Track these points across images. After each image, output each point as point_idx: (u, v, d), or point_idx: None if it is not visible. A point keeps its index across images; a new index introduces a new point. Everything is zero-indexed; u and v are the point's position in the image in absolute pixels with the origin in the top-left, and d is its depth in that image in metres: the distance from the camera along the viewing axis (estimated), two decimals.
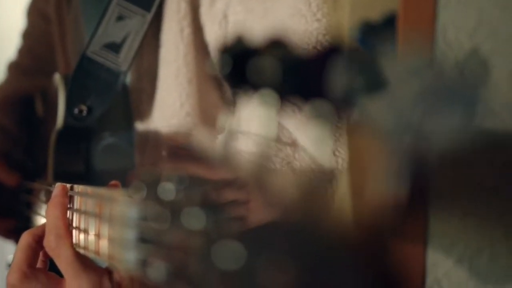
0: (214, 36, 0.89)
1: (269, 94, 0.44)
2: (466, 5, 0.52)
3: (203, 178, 0.45)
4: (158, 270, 0.44)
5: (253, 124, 0.75)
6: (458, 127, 0.46)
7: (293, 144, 0.77)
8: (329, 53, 0.43)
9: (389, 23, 0.59)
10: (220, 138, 0.75)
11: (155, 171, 0.47)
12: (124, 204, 0.52)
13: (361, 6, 0.86)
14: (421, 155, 0.50)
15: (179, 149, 0.49)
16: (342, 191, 0.83)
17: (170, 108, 0.90)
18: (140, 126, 0.95)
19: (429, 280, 0.58)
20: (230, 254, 0.40)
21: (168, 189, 0.45)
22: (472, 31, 0.52)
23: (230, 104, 0.47)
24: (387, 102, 0.46)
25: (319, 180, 0.78)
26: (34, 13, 1.15)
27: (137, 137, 0.95)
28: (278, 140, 0.78)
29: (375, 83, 0.46)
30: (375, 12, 0.64)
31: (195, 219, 0.43)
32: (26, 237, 0.70)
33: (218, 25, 0.89)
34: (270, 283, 0.39)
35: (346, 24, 0.86)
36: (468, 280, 0.57)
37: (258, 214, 0.44)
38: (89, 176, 0.95)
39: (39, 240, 0.70)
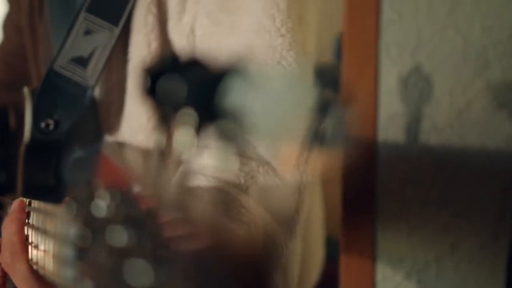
0: (182, 50, 0.89)
1: (188, 114, 0.45)
2: (407, 25, 0.53)
3: (134, 196, 0.46)
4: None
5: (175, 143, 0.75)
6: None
7: (258, 158, 0.78)
8: (234, 71, 0.44)
9: None
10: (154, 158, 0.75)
11: (88, 188, 0.47)
12: (62, 221, 0.53)
13: (329, 23, 0.87)
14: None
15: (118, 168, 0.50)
16: (308, 204, 0.83)
17: (137, 121, 0.90)
18: (109, 139, 0.95)
19: None
20: (141, 273, 0.41)
21: (99, 206, 0.46)
22: (413, 49, 0.53)
23: (160, 123, 0.48)
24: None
25: (284, 196, 0.78)
26: (8, 25, 1.16)
27: (102, 150, 0.95)
28: (243, 154, 0.78)
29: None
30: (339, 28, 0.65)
31: (117, 237, 0.44)
32: None
33: (185, 39, 0.89)
34: None
35: (311, 39, 0.86)
36: None
37: (189, 238, 0.44)
38: (59, 190, 0.95)
39: None
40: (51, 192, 0.95)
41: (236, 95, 0.43)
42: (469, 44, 0.52)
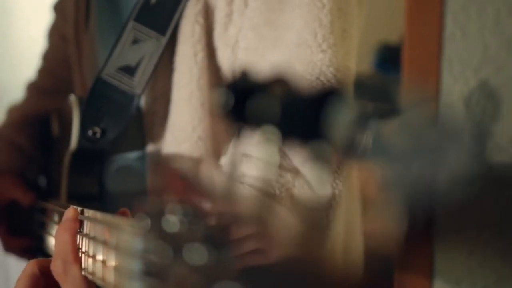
0: (227, 61, 0.89)
1: (271, 131, 0.44)
2: (471, 40, 0.52)
3: (207, 212, 0.45)
4: None
5: (255, 160, 0.75)
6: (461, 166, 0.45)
7: (294, 171, 0.77)
8: (329, 93, 0.43)
9: None
10: (225, 169, 0.75)
11: (160, 203, 0.47)
12: (129, 234, 0.52)
13: (374, 33, 0.86)
14: (423, 194, 0.50)
15: (184, 181, 0.49)
16: (338, 222, 0.83)
17: (182, 131, 0.90)
18: (152, 148, 0.95)
19: None
20: None
21: (171, 222, 0.45)
22: (477, 66, 0.51)
23: (234, 137, 0.47)
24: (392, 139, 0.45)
25: (317, 210, 0.78)
26: (54, 34, 1.17)
27: (150, 159, 0.95)
28: (281, 167, 0.78)
29: (388, 109, 0.45)
30: (388, 38, 0.63)
31: (197, 255, 0.43)
32: (31, 265, 0.70)
33: (231, 50, 0.89)
34: None
35: (355, 52, 0.86)
36: None
37: (266, 250, 0.43)
38: (102, 198, 0.96)
39: (44, 271, 0.70)
40: (94, 199, 0.95)
41: (331, 118, 0.42)
42: None
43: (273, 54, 0.84)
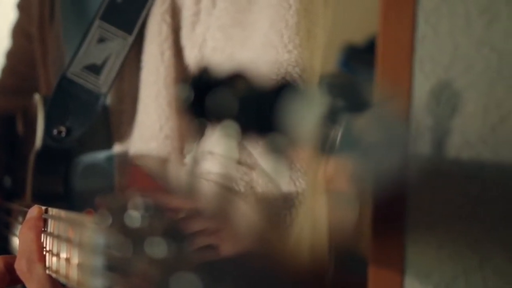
0: (194, 60, 0.90)
1: (231, 126, 0.45)
2: (442, 40, 0.54)
3: (168, 206, 0.46)
4: None
5: (216, 156, 0.76)
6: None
7: (255, 166, 0.78)
8: (286, 87, 0.44)
9: (372, 46, 0.61)
10: (186, 165, 0.75)
11: (122, 198, 0.47)
12: (92, 231, 0.52)
13: (339, 33, 0.87)
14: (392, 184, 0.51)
15: (149, 178, 0.50)
16: (301, 219, 0.84)
17: (149, 130, 0.90)
18: (120, 147, 0.95)
19: None
20: (187, 285, 0.41)
21: (133, 217, 0.46)
22: (448, 65, 0.53)
23: (195, 133, 0.48)
24: (359, 132, 0.46)
25: (279, 208, 0.79)
26: (18, 33, 1.15)
27: (117, 158, 0.95)
28: (243, 163, 0.79)
29: (356, 105, 0.47)
30: (348, 40, 0.65)
31: (157, 248, 0.44)
32: None
33: (198, 49, 0.90)
34: None
35: (320, 52, 0.87)
36: None
37: (225, 244, 0.44)
38: (68, 197, 0.95)
39: (9, 268, 0.70)
40: (60, 199, 0.94)
41: (288, 110, 0.43)
42: (504, 61, 0.52)
43: (241, 54, 0.85)
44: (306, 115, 0.43)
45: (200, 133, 0.47)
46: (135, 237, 0.46)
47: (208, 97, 0.44)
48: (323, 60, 0.87)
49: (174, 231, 0.45)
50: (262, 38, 0.83)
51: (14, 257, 0.71)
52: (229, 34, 0.86)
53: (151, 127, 0.90)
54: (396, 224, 0.56)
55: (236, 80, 0.46)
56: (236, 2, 0.86)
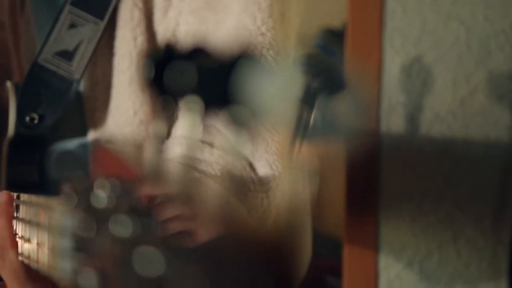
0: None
1: (193, 101, 0.44)
2: (410, 15, 0.54)
3: (135, 187, 0.45)
4: (87, 279, 0.45)
5: (180, 130, 0.76)
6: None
7: (222, 147, 0.78)
8: (245, 58, 0.44)
9: None
10: (151, 145, 0.75)
11: (87, 179, 0.47)
12: (59, 213, 0.52)
13: (314, 17, 0.87)
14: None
15: (120, 162, 0.49)
16: (278, 202, 0.84)
17: (124, 116, 0.89)
18: (94, 134, 0.94)
19: (382, 282, 0.59)
20: (150, 261, 0.41)
21: (99, 197, 0.45)
22: (416, 40, 0.53)
23: (161, 111, 0.47)
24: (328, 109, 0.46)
25: (256, 191, 0.79)
26: None
27: (92, 145, 0.94)
28: (209, 143, 0.79)
29: (333, 86, 0.46)
30: (323, 24, 0.65)
31: (122, 227, 0.44)
32: None
33: (171, 33, 0.89)
34: None
35: (294, 36, 0.87)
36: (419, 282, 0.58)
37: (199, 229, 0.44)
38: (43, 185, 0.94)
39: None
40: (34, 187, 0.93)
41: (247, 81, 0.43)
42: (472, 34, 0.52)
43: (214, 37, 0.85)
44: (268, 86, 0.43)
45: (165, 110, 0.47)
46: (100, 217, 0.45)
47: (167, 71, 0.44)
48: (297, 43, 0.87)
49: (139, 210, 0.44)
50: (235, 21, 0.83)
51: None
52: (201, 17, 0.86)
53: (125, 113, 0.90)
54: (370, 200, 0.56)
55: (197, 54, 0.46)
56: None
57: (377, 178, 0.55)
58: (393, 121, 0.54)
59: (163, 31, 0.90)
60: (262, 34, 0.83)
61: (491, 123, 0.53)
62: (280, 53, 0.83)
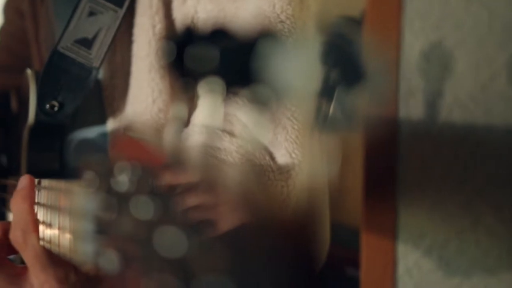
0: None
1: (214, 82, 0.44)
2: None
3: (155, 168, 0.45)
4: (109, 260, 0.45)
5: (201, 114, 0.75)
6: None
7: (248, 138, 0.78)
8: (267, 37, 0.43)
9: None
10: (170, 130, 0.75)
11: (109, 162, 0.47)
12: (80, 196, 0.52)
13: (332, 4, 0.87)
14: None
15: (139, 147, 0.49)
16: (298, 191, 0.84)
17: (143, 104, 0.89)
18: (113, 122, 0.94)
19: (400, 269, 0.58)
20: (172, 242, 0.41)
21: (120, 180, 0.45)
22: (437, 23, 0.52)
23: (182, 94, 0.47)
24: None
25: (275, 179, 0.79)
26: (10, 9, 1.14)
27: (111, 132, 0.94)
28: (234, 134, 0.78)
29: (352, 76, 0.46)
30: (342, 12, 0.64)
31: (143, 209, 0.43)
32: None
33: (190, 21, 0.89)
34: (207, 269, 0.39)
35: (313, 24, 0.87)
36: (437, 270, 0.57)
37: (222, 218, 0.43)
38: (63, 172, 0.94)
39: (5, 233, 0.69)
40: (54, 175, 0.94)
41: (269, 61, 0.43)
42: (494, 17, 0.51)
43: (232, 25, 0.84)
44: (289, 67, 0.42)
45: (185, 92, 0.46)
46: (121, 199, 0.45)
47: (188, 53, 0.43)
48: (316, 32, 0.86)
49: (160, 192, 0.44)
50: (253, 9, 0.83)
51: (9, 224, 0.71)
52: (220, 5, 0.85)
53: (144, 100, 0.90)
54: (388, 188, 0.55)
55: (217, 35, 0.45)
56: None
57: (396, 165, 0.54)
58: (411, 107, 0.53)
59: (182, 19, 0.90)
60: (281, 21, 0.82)
61: None
62: (300, 41, 0.83)
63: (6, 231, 0.70)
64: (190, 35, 0.45)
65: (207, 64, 0.43)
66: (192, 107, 0.76)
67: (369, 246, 0.56)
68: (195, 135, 0.80)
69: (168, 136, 0.46)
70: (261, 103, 0.43)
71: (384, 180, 0.56)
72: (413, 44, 0.53)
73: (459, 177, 0.55)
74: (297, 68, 0.45)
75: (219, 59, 0.43)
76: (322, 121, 0.47)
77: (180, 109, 0.48)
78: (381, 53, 0.54)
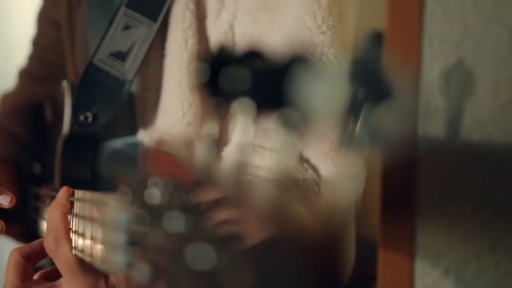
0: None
1: (246, 102, 0.45)
2: (451, 17, 0.53)
3: (187, 183, 0.46)
4: (141, 272, 0.46)
5: (233, 134, 0.76)
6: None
7: (282, 152, 0.78)
8: (296, 62, 0.44)
9: None
10: (203, 147, 0.76)
11: (142, 176, 0.48)
12: (113, 208, 0.54)
13: (367, 18, 0.86)
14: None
15: (171, 161, 0.50)
16: (323, 204, 0.83)
17: (173, 117, 0.91)
18: (144, 134, 0.96)
19: None
20: (202, 255, 0.41)
21: (153, 194, 0.46)
22: (457, 43, 0.52)
23: (214, 113, 0.48)
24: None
25: (302, 195, 0.79)
26: (44, 20, 1.17)
27: (142, 144, 0.96)
28: (267, 148, 0.79)
29: (381, 93, 0.46)
30: (381, 24, 0.64)
31: (175, 223, 0.45)
32: (14, 254, 0.72)
33: (224, 36, 0.90)
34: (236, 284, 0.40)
35: (352, 36, 0.86)
36: None
37: (251, 232, 0.44)
38: (95, 182, 0.96)
39: (26, 257, 0.72)
40: (87, 184, 0.96)
41: (300, 85, 0.43)
42: None
43: (270, 37, 0.84)
44: (322, 92, 0.43)
45: (218, 112, 0.47)
46: (154, 212, 0.47)
47: (221, 75, 0.44)
48: (354, 44, 0.86)
49: (192, 207, 0.45)
50: (294, 20, 0.83)
51: (29, 246, 0.74)
52: (257, 18, 0.86)
53: (174, 113, 0.91)
54: (406, 206, 0.55)
55: (251, 57, 0.46)
56: None
57: (414, 183, 0.54)
58: (431, 126, 0.53)
59: (216, 33, 0.91)
60: (323, 32, 0.82)
61: None
62: (341, 52, 0.82)
63: (24, 254, 0.72)
64: (223, 55, 0.46)
65: (239, 86, 0.44)
66: (224, 126, 0.76)
67: (386, 265, 0.56)
68: (231, 154, 0.80)
69: (199, 153, 0.47)
70: (291, 126, 0.43)
71: (402, 198, 0.55)
72: (433, 64, 0.53)
73: (478, 197, 0.54)
74: (327, 92, 0.45)
75: (251, 81, 0.44)
76: (348, 139, 0.47)
77: (211, 127, 0.49)
78: (403, 73, 0.54)
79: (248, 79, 0.43)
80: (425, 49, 0.52)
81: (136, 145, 0.96)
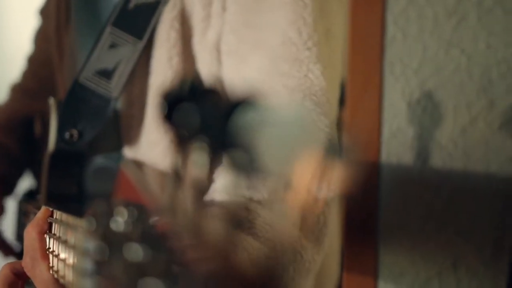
0: (207, 65, 0.91)
1: (202, 139, 0.46)
2: (411, 42, 0.54)
3: (151, 214, 0.47)
4: None
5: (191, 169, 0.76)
6: None
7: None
8: (247, 104, 0.44)
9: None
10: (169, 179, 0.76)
11: (107, 204, 0.49)
12: (82, 234, 0.55)
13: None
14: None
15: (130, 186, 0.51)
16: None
17: (156, 134, 0.92)
18: (129, 151, 0.97)
19: None
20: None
21: (118, 222, 0.47)
22: (417, 67, 0.53)
23: (176, 146, 0.49)
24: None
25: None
26: (39, 37, 1.19)
27: (122, 166, 0.96)
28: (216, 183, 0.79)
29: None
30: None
31: (133, 253, 0.46)
32: (4, 269, 0.73)
33: (209, 54, 0.91)
34: None
35: (338, 51, 0.87)
36: None
37: (200, 265, 0.45)
38: (81, 199, 0.97)
39: (16, 272, 0.73)
40: (73, 200, 0.97)
41: (248, 126, 0.44)
42: (473, 62, 0.52)
43: (255, 55, 0.85)
44: (271, 134, 0.44)
45: (180, 145, 0.48)
46: (114, 242, 0.47)
47: (175, 112, 0.45)
48: (343, 59, 0.86)
49: (152, 238, 0.46)
50: (279, 37, 0.83)
51: (19, 262, 0.74)
52: (242, 36, 0.86)
53: (157, 131, 0.92)
54: (369, 228, 0.56)
55: (209, 94, 0.47)
56: (246, 3, 0.86)
57: (376, 206, 0.55)
58: (393, 149, 0.54)
59: (202, 51, 0.92)
60: (309, 48, 0.82)
61: (492, 151, 0.53)
62: (328, 68, 0.82)
63: (15, 269, 0.73)
64: (181, 91, 0.47)
65: (191, 123, 0.45)
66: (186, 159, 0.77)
67: (350, 286, 0.57)
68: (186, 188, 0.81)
69: (167, 183, 0.48)
70: (239, 168, 0.44)
71: (364, 220, 0.56)
72: (395, 88, 0.54)
73: (440, 218, 0.55)
74: (276, 136, 0.46)
75: (201, 121, 0.45)
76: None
77: (175, 159, 0.50)
78: (362, 96, 0.55)
79: (199, 119, 0.44)
80: (386, 73, 0.53)
81: (121, 161, 0.97)
